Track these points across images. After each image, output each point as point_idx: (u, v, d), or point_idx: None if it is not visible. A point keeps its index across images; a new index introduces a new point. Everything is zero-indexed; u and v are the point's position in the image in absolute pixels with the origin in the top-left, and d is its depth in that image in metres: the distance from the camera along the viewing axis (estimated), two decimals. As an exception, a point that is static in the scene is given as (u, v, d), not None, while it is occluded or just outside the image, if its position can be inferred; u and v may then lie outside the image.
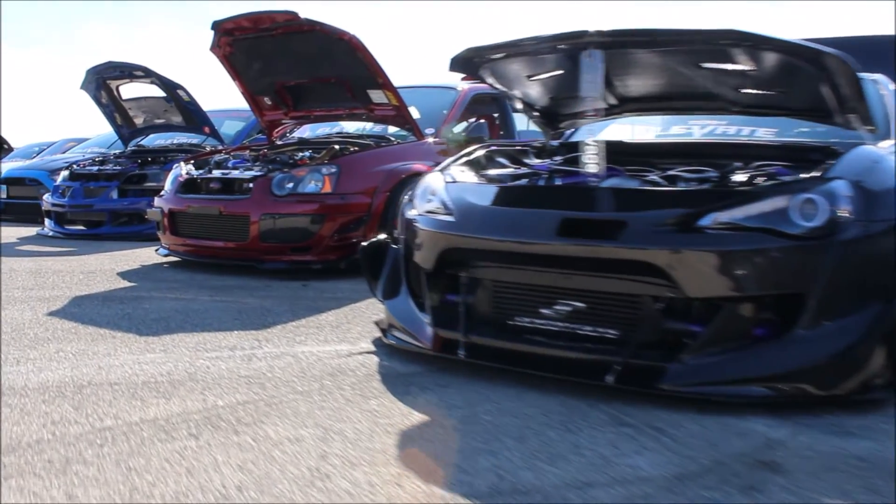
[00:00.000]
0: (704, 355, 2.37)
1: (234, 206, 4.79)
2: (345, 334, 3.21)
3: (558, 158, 3.59)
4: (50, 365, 2.62)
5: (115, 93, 8.05)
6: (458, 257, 2.76)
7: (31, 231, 7.91)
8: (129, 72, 7.67)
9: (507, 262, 2.66)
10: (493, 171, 3.31)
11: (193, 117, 7.85)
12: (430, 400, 2.33)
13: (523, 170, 3.36)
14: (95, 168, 7.61)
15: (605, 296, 2.53)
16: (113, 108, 8.17)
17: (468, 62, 3.23)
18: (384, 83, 5.21)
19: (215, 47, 5.53)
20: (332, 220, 4.68)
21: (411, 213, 3.07)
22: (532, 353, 2.56)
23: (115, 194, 7.25)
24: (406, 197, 3.35)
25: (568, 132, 4.07)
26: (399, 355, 2.85)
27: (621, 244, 2.42)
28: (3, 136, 14.53)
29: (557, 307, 2.60)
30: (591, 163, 2.84)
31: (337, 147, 5.18)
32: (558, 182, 3.05)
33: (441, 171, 3.26)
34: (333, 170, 4.76)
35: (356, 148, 5.27)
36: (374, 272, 3.26)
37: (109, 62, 7.60)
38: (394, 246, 3.32)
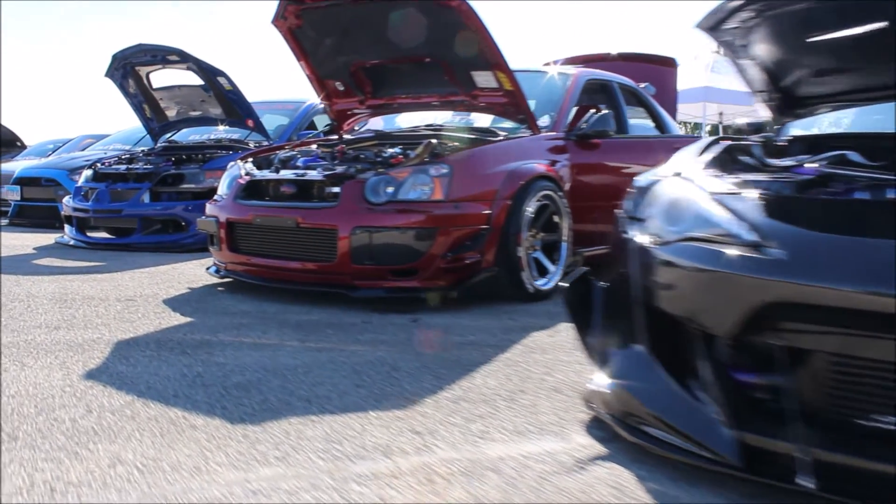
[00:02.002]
0: None
1: (316, 217, 3.70)
2: (534, 416, 2.13)
3: (806, 158, 2.51)
4: (107, 499, 1.54)
5: (145, 81, 7.02)
6: (775, 315, 1.68)
7: (48, 238, 6.87)
8: (161, 56, 6.63)
9: (870, 328, 1.57)
10: (753, 176, 2.22)
11: (235, 109, 6.80)
12: None
13: (784, 175, 2.27)
14: (123, 167, 6.56)
15: None
16: (142, 98, 7.14)
17: (731, 13, 2.16)
18: (497, 63, 4.13)
19: (279, 19, 4.47)
20: (444, 234, 3.60)
21: (648, 240, 2.00)
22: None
23: (146, 197, 6.19)
24: (622, 213, 2.28)
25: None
26: (660, 465, 1.77)
27: None
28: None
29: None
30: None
31: (434, 141, 4.09)
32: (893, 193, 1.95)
33: (679, 175, 2.19)
34: (444, 170, 3.68)
35: (456, 143, 4.19)
36: (583, 323, 2.19)
37: (140, 45, 6.56)
38: (600, 284, 2.24)
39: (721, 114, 13.91)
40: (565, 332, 3.23)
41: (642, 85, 6.05)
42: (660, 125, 5.87)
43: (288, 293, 3.88)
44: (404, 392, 2.32)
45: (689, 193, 2.05)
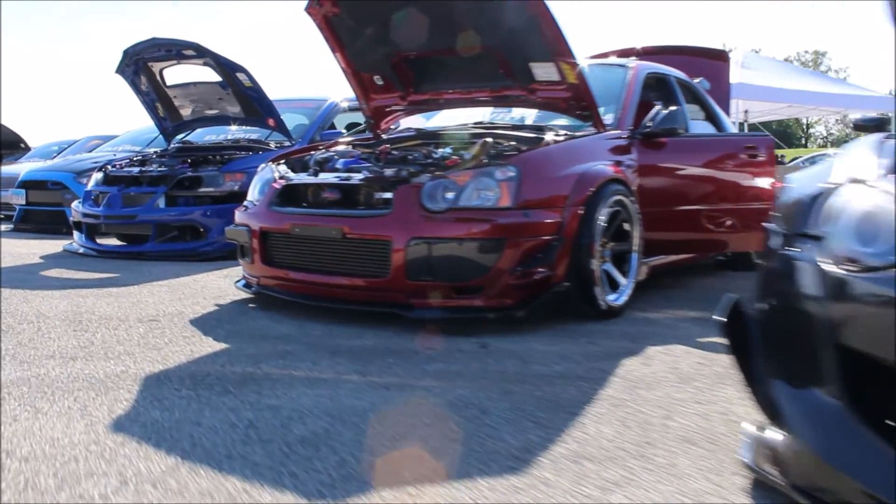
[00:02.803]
0: None
1: (366, 227, 3.26)
2: (680, 481, 1.69)
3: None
4: None
5: (158, 77, 6.58)
6: None
7: (55, 246, 6.43)
8: (176, 51, 6.20)
9: None
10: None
11: (255, 107, 6.36)
12: None
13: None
14: (136, 170, 6.12)
15: None
16: (155, 96, 6.70)
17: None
18: (562, 53, 3.68)
19: (314, 7, 4.04)
20: (513, 246, 3.16)
21: (834, 264, 1.56)
22: None
23: (161, 202, 5.74)
24: (777, 229, 1.84)
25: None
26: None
27: None
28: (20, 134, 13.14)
29: None
30: None
31: (490, 140, 3.65)
32: None
33: (863, 183, 1.75)
34: (511, 173, 3.23)
35: (513, 142, 3.75)
36: (747, 363, 1.75)
37: (153, 39, 6.14)
38: (758, 315, 1.80)
39: (746, 111, 13.46)
40: (659, 359, 2.80)
41: (696, 80, 5.61)
42: (716, 124, 5.42)
43: (330, 312, 3.43)
44: (509, 448, 1.88)
45: (890, 206, 1.60)
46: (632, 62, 4.68)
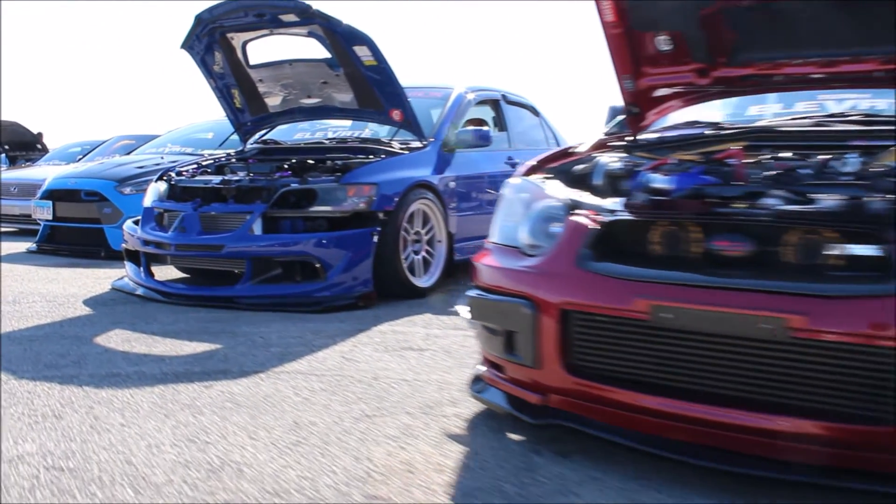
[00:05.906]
0: None
1: (845, 318, 1.54)
2: None
3: None
4: None
5: (240, 54, 4.88)
6: None
7: (98, 279, 4.74)
8: (271, 15, 4.49)
9: None
10: None
11: (375, 94, 4.67)
12: None
13: None
14: (215, 179, 4.41)
15: None
16: (232, 79, 5.00)
17: None
18: None
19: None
20: None
21: None
22: None
23: (258, 226, 4.03)
24: None
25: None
26: None
27: None
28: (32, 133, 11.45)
29: None
30: None
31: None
32: None
33: None
34: None
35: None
36: None
37: (239, -1, 4.43)
38: None
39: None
40: None
41: None
42: None
43: (719, 476, 1.72)
44: None
45: None
46: None
